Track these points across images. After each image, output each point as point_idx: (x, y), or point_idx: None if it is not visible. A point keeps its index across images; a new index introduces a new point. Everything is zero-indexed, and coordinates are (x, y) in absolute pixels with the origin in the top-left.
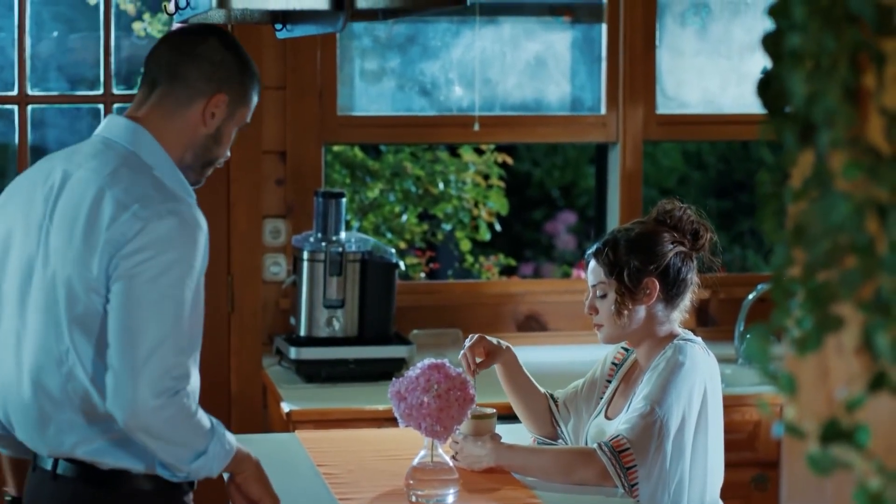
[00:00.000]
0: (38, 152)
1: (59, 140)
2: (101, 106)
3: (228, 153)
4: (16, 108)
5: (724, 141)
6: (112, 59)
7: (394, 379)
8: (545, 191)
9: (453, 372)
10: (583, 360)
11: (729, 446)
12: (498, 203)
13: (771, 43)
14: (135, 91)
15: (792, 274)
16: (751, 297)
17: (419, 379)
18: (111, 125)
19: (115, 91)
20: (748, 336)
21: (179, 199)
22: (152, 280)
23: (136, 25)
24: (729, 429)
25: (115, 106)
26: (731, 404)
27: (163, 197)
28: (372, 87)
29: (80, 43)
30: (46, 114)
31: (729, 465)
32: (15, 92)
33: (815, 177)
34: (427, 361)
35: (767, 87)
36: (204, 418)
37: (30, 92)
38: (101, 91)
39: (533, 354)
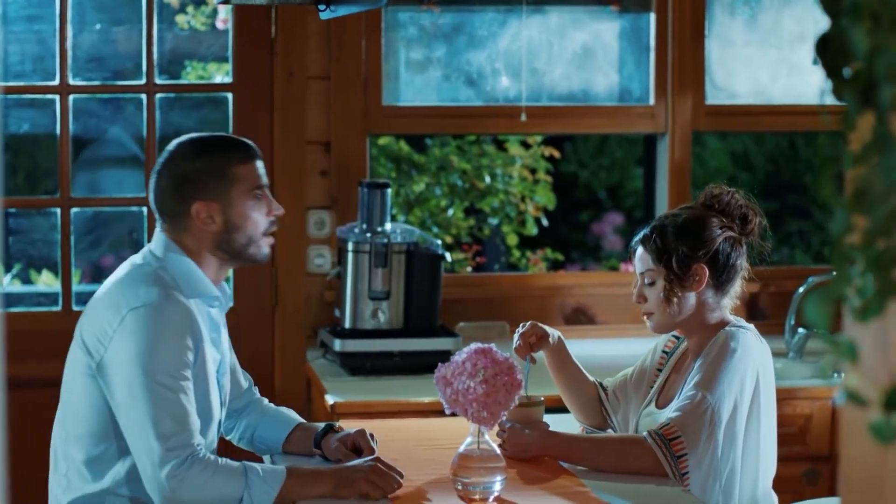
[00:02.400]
0: (80, 142)
1: (100, 130)
2: (143, 96)
3: (273, 215)
4: (57, 97)
5: (772, 134)
6: (154, 49)
7: (440, 364)
8: (592, 192)
9: (500, 357)
10: (631, 354)
11: (780, 440)
12: (545, 197)
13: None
14: (178, 81)
15: (852, 241)
16: (801, 289)
17: (465, 364)
18: (156, 240)
19: (158, 81)
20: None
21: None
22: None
23: (180, 18)
24: (780, 423)
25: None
26: (783, 398)
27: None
28: (417, 77)
29: (123, 35)
30: (88, 104)
31: (780, 460)
32: (56, 82)
33: (877, 137)
34: (474, 346)
35: (826, 46)
36: (225, 473)
37: (71, 82)
38: (143, 81)
39: (580, 348)
